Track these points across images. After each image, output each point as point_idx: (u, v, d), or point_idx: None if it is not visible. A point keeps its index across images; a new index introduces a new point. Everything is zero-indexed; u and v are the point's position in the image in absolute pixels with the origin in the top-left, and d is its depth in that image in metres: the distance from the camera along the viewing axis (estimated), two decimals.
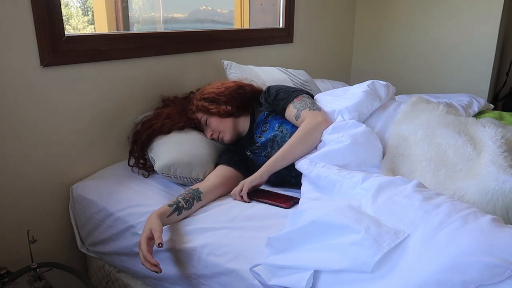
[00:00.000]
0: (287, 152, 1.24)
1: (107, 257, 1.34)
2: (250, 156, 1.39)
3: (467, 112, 1.73)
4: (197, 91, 1.54)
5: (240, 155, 1.41)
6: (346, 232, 0.82)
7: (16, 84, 1.22)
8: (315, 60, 2.67)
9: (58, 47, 1.28)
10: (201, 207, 1.20)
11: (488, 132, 1.14)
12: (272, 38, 2.26)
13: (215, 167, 1.37)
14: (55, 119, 1.34)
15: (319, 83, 2.13)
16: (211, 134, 1.44)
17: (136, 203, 1.25)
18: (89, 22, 2.23)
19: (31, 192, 1.33)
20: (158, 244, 0.98)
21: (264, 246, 0.93)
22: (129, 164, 1.44)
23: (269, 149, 1.34)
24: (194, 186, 1.23)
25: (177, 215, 1.12)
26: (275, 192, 1.25)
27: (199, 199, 1.19)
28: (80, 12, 2.21)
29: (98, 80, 1.44)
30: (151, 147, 1.40)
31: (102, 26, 2.15)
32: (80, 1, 2.18)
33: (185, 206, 1.14)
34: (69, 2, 2.12)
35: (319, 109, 1.33)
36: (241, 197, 1.21)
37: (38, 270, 1.14)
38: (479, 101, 1.91)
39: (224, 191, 1.29)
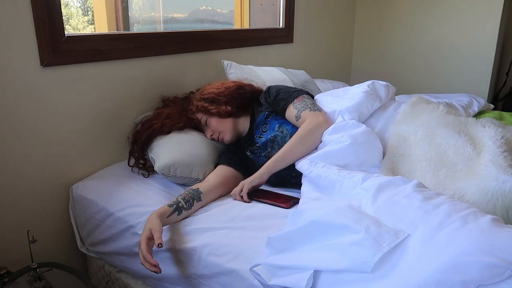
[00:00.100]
0: (287, 152, 1.24)
1: (107, 257, 1.34)
2: (250, 156, 1.39)
3: (467, 112, 1.73)
4: (197, 91, 1.54)
5: (240, 155, 1.41)
6: (346, 232, 0.82)
7: (16, 84, 1.22)
8: (315, 60, 2.67)
9: (58, 47, 1.28)
10: (201, 207, 1.20)
11: (488, 132, 1.14)
12: (272, 38, 2.26)
13: (215, 167, 1.37)
14: (55, 119, 1.34)
15: (319, 83, 2.13)
16: (211, 134, 1.44)
17: (136, 203, 1.25)
18: (89, 22, 2.23)
19: (31, 192, 1.33)
20: (158, 245, 0.98)
21: (264, 246, 0.93)
22: (129, 164, 1.44)
23: (269, 149, 1.34)
24: (194, 186, 1.23)
25: (177, 215, 1.12)
26: (275, 192, 1.25)
27: (199, 199, 1.19)
28: (80, 12, 2.21)
29: (98, 80, 1.44)
30: (151, 147, 1.40)
31: (102, 26, 2.15)
32: (80, 1, 2.18)
33: (185, 206, 1.14)
34: (69, 2, 2.12)
35: (319, 109, 1.33)
36: (241, 197, 1.21)
37: (38, 270, 1.14)
38: (479, 101, 1.92)
39: (224, 191, 1.29)
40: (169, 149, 1.35)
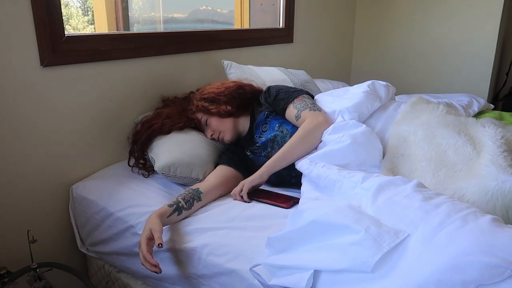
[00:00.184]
0: (287, 152, 1.24)
1: (107, 257, 1.34)
2: (250, 156, 1.39)
3: (467, 112, 1.73)
4: (197, 91, 1.54)
5: (240, 155, 1.41)
6: (346, 232, 0.82)
7: (16, 84, 1.22)
8: (315, 60, 2.67)
9: (58, 47, 1.28)
10: (201, 207, 1.20)
11: (488, 132, 1.14)
12: (272, 38, 2.26)
13: (215, 167, 1.37)
14: (55, 119, 1.34)
15: (319, 83, 2.13)
16: (211, 134, 1.44)
17: (136, 203, 1.25)
18: (89, 22, 2.23)
19: (31, 192, 1.33)
20: (158, 245, 0.98)
21: (264, 246, 0.93)
22: (129, 164, 1.44)
23: (269, 149, 1.34)
24: (194, 186, 1.23)
25: (177, 215, 1.12)
26: (275, 192, 1.25)
27: (199, 199, 1.19)
28: (80, 12, 2.21)
29: (98, 80, 1.44)
30: (151, 147, 1.40)
31: (102, 26, 2.15)
32: (80, 1, 2.18)
33: (185, 206, 1.14)
34: (69, 2, 2.12)
35: (319, 109, 1.33)
36: (241, 197, 1.21)
37: (38, 270, 1.14)
38: (479, 101, 1.92)
39: (224, 191, 1.29)
40: (169, 149, 1.35)
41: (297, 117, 1.31)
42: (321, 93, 1.53)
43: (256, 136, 1.40)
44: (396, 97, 1.72)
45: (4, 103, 1.21)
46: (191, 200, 1.17)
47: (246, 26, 2.43)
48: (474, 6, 2.49)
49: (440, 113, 1.30)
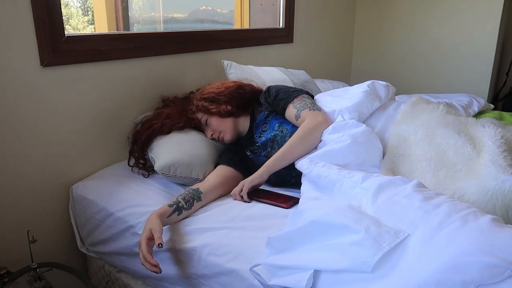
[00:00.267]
0: (287, 152, 1.24)
1: (107, 257, 1.34)
2: (250, 156, 1.39)
3: (467, 112, 1.73)
4: (197, 91, 1.54)
5: (240, 155, 1.41)
6: (346, 232, 0.82)
7: (16, 84, 1.22)
8: (315, 60, 2.67)
9: (58, 47, 1.28)
10: (201, 207, 1.20)
11: (488, 132, 1.14)
12: (272, 38, 2.26)
13: (215, 167, 1.37)
14: (55, 119, 1.34)
15: (319, 83, 2.13)
16: (212, 134, 1.44)
17: (136, 203, 1.25)
18: (89, 22, 2.23)
19: (31, 192, 1.33)
20: (158, 245, 0.98)
21: (264, 246, 0.93)
22: (129, 164, 1.44)
23: (269, 149, 1.34)
24: (194, 186, 1.23)
25: (177, 215, 1.12)
26: (275, 192, 1.25)
27: (199, 199, 1.19)
28: (80, 12, 2.21)
29: (98, 80, 1.44)
30: (151, 147, 1.40)
31: (102, 26, 2.15)
32: (80, 1, 2.18)
33: (185, 206, 1.14)
34: (69, 2, 2.12)
35: (319, 109, 1.33)
36: (241, 197, 1.21)
37: (38, 270, 1.14)
38: (479, 101, 1.92)
39: (224, 191, 1.29)
40: (169, 149, 1.35)
41: (297, 116, 1.31)
42: (321, 93, 1.53)
43: (256, 136, 1.40)
44: (396, 97, 1.72)
45: (4, 103, 1.21)
46: (191, 200, 1.17)
47: (246, 26, 2.43)
48: (474, 6, 2.49)
49: (440, 113, 1.30)
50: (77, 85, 1.38)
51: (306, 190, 1.13)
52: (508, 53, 2.83)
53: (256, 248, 0.97)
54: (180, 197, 1.16)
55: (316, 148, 1.26)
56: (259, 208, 1.15)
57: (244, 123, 1.46)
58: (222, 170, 1.33)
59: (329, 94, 1.48)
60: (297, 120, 1.31)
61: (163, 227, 1.06)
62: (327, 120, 1.29)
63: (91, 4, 2.19)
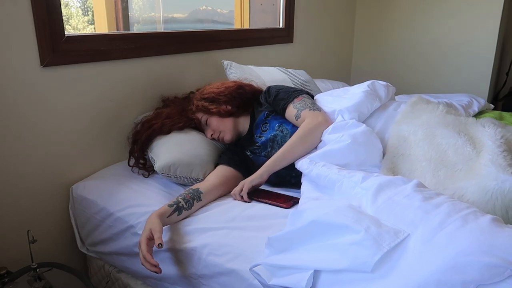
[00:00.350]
0: (287, 152, 1.24)
1: (107, 257, 1.34)
2: (250, 156, 1.39)
3: (467, 112, 1.73)
4: (197, 91, 1.54)
5: (240, 155, 1.41)
6: (346, 232, 0.82)
7: (16, 84, 1.22)
8: (315, 60, 2.67)
9: (58, 47, 1.28)
10: (201, 207, 1.20)
11: (487, 132, 1.14)
12: (272, 38, 2.26)
13: (215, 167, 1.37)
14: (55, 119, 1.34)
15: (319, 83, 2.13)
16: (212, 134, 1.44)
17: (136, 203, 1.25)
18: (89, 22, 2.23)
19: (31, 192, 1.33)
20: (158, 245, 0.98)
21: (264, 246, 0.93)
22: (129, 164, 1.44)
23: (269, 149, 1.34)
24: (194, 186, 1.23)
25: (177, 215, 1.12)
26: (275, 192, 1.25)
27: (199, 199, 1.19)
28: (80, 12, 2.21)
29: (98, 80, 1.44)
30: (151, 147, 1.40)
31: (102, 26, 2.15)
32: (80, 1, 2.18)
33: (185, 206, 1.14)
34: (69, 2, 2.12)
35: (319, 109, 1.33)
36: (241, 197, 1.21)
37: (38, 270, 1.14)
38: (479, 101, 1.92)
39: (224, 191, 1.29)
40: (169, 149, 1.35)
41: (297, 116, 1.31)
42: (321, 93, 1.53)
43: (256, 136, 1.40)
44: (396, 97, 1.72)
45: (4, 103, 1.21)
46: (191, 200, 1.17)
47: (246, 26, 2.43)
48: (474, 6, 2.49)
49: (440, 113, 1.30)
50: (77, 85, 1.38)
51: (306, 190, 1.13)
52: (508, 53, 2.83)
53: (256, 248, 0.97)
54: (180, 197, 1.16)
55: (316, 148, 1.26)
56: (259, 208, 1.15)
57: (244, 123, 1.46)
58: (222, 170, 1.33)
59: (329, 94, 1.48)
60: (297, 120, 1.31)
61: (163, 227, 1.06)
62: (327, 120, 1.29)
63: (91, 4, 2.19)
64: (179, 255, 1.07)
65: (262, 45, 2.19)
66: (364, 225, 0.80)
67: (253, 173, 1.25)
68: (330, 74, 2.74)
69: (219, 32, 1.94)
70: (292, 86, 1.72)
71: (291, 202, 1.18)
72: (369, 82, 1.42)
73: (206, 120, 1.44)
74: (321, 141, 1.26)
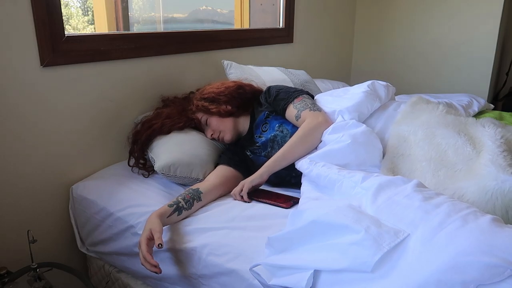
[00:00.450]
0: (287, 152, 1.24)
1: (107, 257, 1.34)
2: (250, 156, 1.39)
3: (467, 112, 1.73)
4: (197, 91, 1.54)
5: (240, 155, 1.41)
6: (346, 232, 0.82)
7: (16, 84, 1.22)
8: (315, 60, 2.67)
9: (58, 47, 1.28)
10: (201, 207, 1.20)
11: (487, 132, 1.14)
12: (272, 38, 2.26)
13: (215, 167, 1.37)
14: (55, 119, 1.34)
15: (319, 83, 2.13)
16: (212, 134, 1.44)
17: (136, 203, 1.25)
18: (89, 22, 2.23)
19: (31, 192, 1.33)
20: (158, 245, 0.98)
21: (264, 246, 0.93)
22: (129, 164, 1.44)
23: (269, 149, 1.34)
24: (194, 186, 1.23)
25: (177, 215, 1.12)
26: (275, 192, 1.25)
27: (199, 199, 1.19)
28: (80, 12, 2.21)
29: (98, 80, 1.44)
30: (151, 147, 1.40)
31: (102, 26, 2.15)
32: (80, 1, 2.18)
33: (185, 206, 1.14)
34: (69, 2, 2.12)
35: (319, 109, 1.33)
36: (241, 197, 1.21)
37: (38, 270, 1.14)
38: (479, 101, 1.92)
39: (224, 191, 1.29)
40: (169, 149, 1.35)
41: (297, 117, 1.31)
42: (321, 93, 1.53)
43: (256, 136, 1.40)
44: (396, 97, 1.72)
45: (4, 103, 1.21)
46: (191, 200, 1.17)
47: (246, 26, 2.43)
48: (474, 6, 2.49)
49: (440, 113, 1.30)
50: (77, 85, 1.38)
51: (306, 190, 1.13)
52: (508, 53, 2.83)
53: (256, 248, 0.97)
54: (180, 197, 1.16)
55: (316, 148, 1.26)
56: (259, 208, 1.15)
57: (244, 123, 1.46)
58: (222, 170, 1.33)
59: (329, 94, 1.48)
60: (297, 120, 1.31)
61: (163, 227, 1.06)
62: (327, 121, 1.29)
63: (91, 4, 2.19)
64: (179, 255, 1.08)
65: (262, 45, 2.19)
66: (364, 225, 0.81)
67: (253, 173, 1.25)
68: (330, 74, 2.74)
69: (219, 32, 1.94)
70: (292, 86, 1.72)
71: (291, 202, 1.18)
72: (369, 82, 1.42)
73: (206, 120, 1.44)
74: (321, 141, 1.26)
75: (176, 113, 1.46)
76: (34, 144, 1.30)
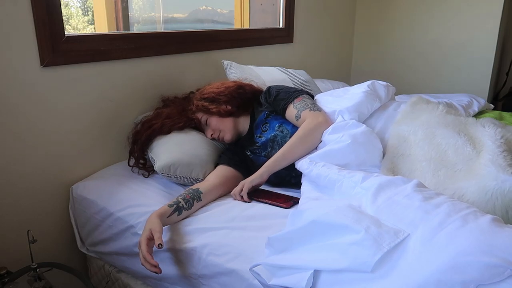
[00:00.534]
0: (287, 152, 1.24)
1: (107, 257, 1.34)
2: (250, 156, 1.39)
3: (467, 112, 1.73)
4: (197, 91, 1.54)
5: (240, 155, 1.41)
6: (346, 232, 0.82)
7: (16, 84, 1.23)
8: (315, 60, 2.67)
9: (58, 47, 1.28)
10: (201, 207, 1.20)
11: (487, 132, 1.14)
12: (272, 38, 2.26)
13: (215, 167, 1.37)
14: (55, 119, 1.34)
15: (319, 83, 2.13)
16: (212, 134, 1.44)
17: (136, 203, 1.25)
18: (89, 22, 2.23)
19: (31, 192, 1.33)
20: (158, 245, 0.98)
21: (264, 246, 0.93)
22: (129, 164, 1.44)
23: (269, 149, 1.34)
24: (194, 186, 1.23)
25: (177, 215, 1.12)
26: (275, 192, 1.25)
27: (199, 199, 1.19)
28: (80, 12, 2.21)
29: (98, 80, 1.44)
30: (151, 147, 1.40)
31: (102, 26, 2.15)
32: (80, 1, 2.18)
33: (185, 206, 1.14)
34: (69, 2, 2.12)
35: (319, 109, 1.33)
36: (241, 197, 1.21)
37: (38, 270, 1.14)
38: (479, 101, 1.92)
39: (224, 191, 1.29)
40: (169, 149, 1.35)
41: (297, 117, 1.31)
42: (321, 93, 1.53)
43: (256, 136, 1.40)
44: (396, 97, 1.72)
45: (4, 103, 1.21)
46: (191, 200, 1.17)
47: (246, 26, 2.43)
48: (474, 6, 2.49)
49: (440, 113, 1.30)
50: (77, 85, 1.38)
51: (306, 190, 1.13)
52: (508, 53, 2.83)
53: (256, 248, 0.97)
54: (180, 197, 1.16)
55: (316, 148, 1.26)
56: (259, 208, 1.15)
57: (244, 123, 1.46)
58: (222, 170, 1.33)
59: (329, 94, 1.48)
60: (297, 120, 1.31)
61: (163, 227, 1.06)
62: (327, 121, 1.29)
63: (91, 4, 2.19)
64: (179, 255, 1.08)
65: (262, 45, 2.19)
66: (364, 225, 0.81)
67: (253, 173, 1.25)
68: (330, 74, 2.74)
69: (219, 32, 1.94)
70: (292, 86, 1.72)
71: (291, 202, 1.18)
72: (369, 82, 1.42)
73: (206, 120, 1.44)
74: (321, 141, 1.26)
75: (176, 113, 1.46)
76: (34, 144, 1.30)
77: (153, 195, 1.29)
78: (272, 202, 1.18)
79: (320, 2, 2.58)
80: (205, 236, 1.06)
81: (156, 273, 0.97)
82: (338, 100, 1.37)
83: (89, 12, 2.22)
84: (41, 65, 1.26)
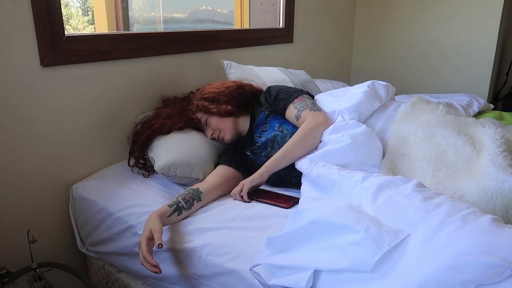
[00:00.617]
0: (287, 152, 1.24)
1: (107, 257, 1.34)
2: (250, 156, 1.39)
3: (467, 112, 1.73)
4: (197, 91, 1.54)
5: (240, 155, 1.41)
6: (346, 232, 0.82)
7: (16, 84, 1.23)
8: (315, 60, 2.67)
9: (58, 47, 1.28)
10: (201, 207, 1.20)
11: (487, 132, 1.14)
12: (272, 38, 2.26)
13: (215, 167, 1.37)
14: (55, 119, 1.34)
15: (319, 83, 2.13)
16: (212, 134, 1.44)
17: (136, 203, 1.25)
18: (89, 22, 2.23)
19: (31, 192, 1.33)
20: (158, 245, 0.98)
21: (264, 246, 0.93)
22: (129, 164, 1.44)
23: (269, 149, 1.34)
24: (194, 186, 1.23)
25: (177, 215, 1.13)
26: (275, 192, 1.25)
27: (199, 199, 1.19)
28: (80, 12, 2.21)
29: (98, 80, 1.44)
30: (151, 147, 1.40)
31: (102, 26, 2.15)
32: (80, 1, 2.18)
33: (185, 206, 1.15)
34: (69, 2, 2.12)
35: (319, 109, 1.33)
36: (241, 197, 1.21)
37: (38, 270, 1.14)
38: (479, 101, 1.92)
39: (224, 191, 1.29)
40: (169, 149, 1.35)
41: (297, 117, 1.31)
42: (321, 93, 1.53)
43: (256, 136, 1.40)
44: (396, 97, 1.72)
45: (4, 103, 1.21)
46: (191, 200, 1.17)
47: (246, 26, 2.43)
48: (474, 6, 2.49)
49: (440, 113, 1.30)
50: (77, 85, 1.38)
51: (306, 190, 1.13)
52: (508, 53, 2.83)
53: (256, 248, 0.97)
54: (180, 197, 1.16)
55: (316, 148, 1.26)
56: (259, 208, 1.15)
57: (244, 123, 1.46)
58: (222, 170, 1.33)
59: (329, 94, 1.48)
60: (297, 120, 1.31)
61: (163, 227, 1.06)
62: (327, 121, 1.29)
63: (91, 4, 2.19)
64: (179, 255, 1.08)
65: (262, 45, 2.19)
66: (364, 225, 0.81)
67: (253, 173, 1.25)
68: (330, 74, 2.74)
69: (219, 32, 1.94)
70: (292, 86, 1.72)
71: (291, 202, 1.18)
72: (369, 82, 1.42)
73: (206, 120, 1.44)
74: (321, 141, 1.26)
75: (176, 113, 1.46)
76: (34, 144, 1.30)
77: (153, 195, 1.29)
78: (272, 202, 1.18)
79: (320, 2, 2.58)
80: (205, 236, 1.06)
81: (156, 273, 0.97)
82: (338, 100, 1.37)
83: (89, 12, 2.22)
84: (41, 65, 1.26)
